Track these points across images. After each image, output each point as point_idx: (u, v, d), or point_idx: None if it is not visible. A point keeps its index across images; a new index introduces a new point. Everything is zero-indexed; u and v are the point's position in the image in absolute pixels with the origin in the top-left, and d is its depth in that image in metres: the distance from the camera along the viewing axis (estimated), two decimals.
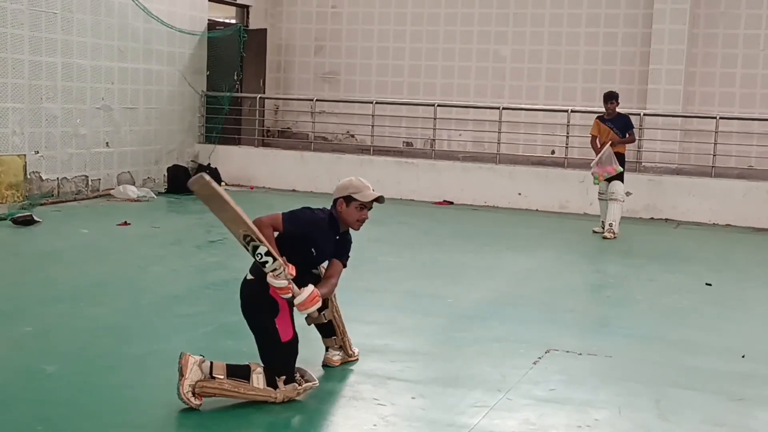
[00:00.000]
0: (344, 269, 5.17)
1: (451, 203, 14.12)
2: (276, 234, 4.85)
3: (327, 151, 15.66)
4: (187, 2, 14.88)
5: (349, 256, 5.21)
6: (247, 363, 4.94)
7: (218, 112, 15.61)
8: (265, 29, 16.67)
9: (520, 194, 13.97)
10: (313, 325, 5.44)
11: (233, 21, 16.90)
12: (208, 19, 15.62)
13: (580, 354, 6.01)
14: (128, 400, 4.86)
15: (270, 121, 17.38)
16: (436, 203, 14.09)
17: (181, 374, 4.72)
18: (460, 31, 16.45)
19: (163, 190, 13.96)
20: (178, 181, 13.83)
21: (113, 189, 13.25)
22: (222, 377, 4.77)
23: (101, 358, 5.56)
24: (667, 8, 14.72)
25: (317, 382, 5.04)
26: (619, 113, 11.40)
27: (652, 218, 13.24)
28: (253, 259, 4.69)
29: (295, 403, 4.86)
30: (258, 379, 4.82)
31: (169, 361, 5.44)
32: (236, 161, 15.41)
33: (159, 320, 6.50)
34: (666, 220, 13.16)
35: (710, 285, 8.50)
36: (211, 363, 4.81)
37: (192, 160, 15.18)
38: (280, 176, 15.01)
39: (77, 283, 7.66)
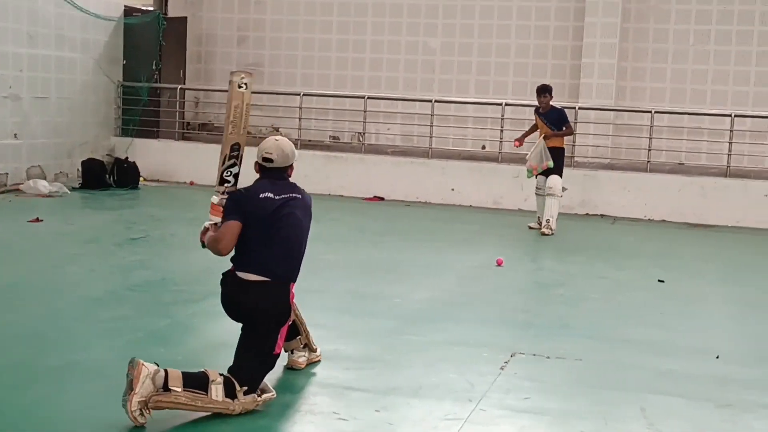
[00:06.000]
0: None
1: (382, 199, 13.60)
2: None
3: (251, 146, 14.91)
4: None
5: None
6: (203, 370, 4.36)
7: (135, 104, 14.76)
8: (185, 17, 15.84)
9: (453, 190, 13.54)
10: None
11: (151, 9, 16.00)
12: (125, 6, 14.75)
13: (548, 357, 5.55)
14: (43, 421, 4.18)
15: (190, 114, 16.57)
16: (366, 199, 13.55)
17: (131, 387, 4.10)
18: (389, 23, 15.93)
19: (78, 185, 13.04)
20: (93, 176, 12.93)
21: (22, 184, 12.31)
22: (178, 389, 4.19)
23: (12, 371, 4.83)
24: (599, 1, 14.47)
25: (275, 393, 4.50)
26: (553, 107, 11.04)
27: (587, 214, 12.97)
28: (220, 172, 4.84)
29: (251, 420, 4.27)
30: (217, 390, 4.28)
31: (92, 372, 4.79)
32: (155, 155, 14.57)
33: (79, 327, 5.77)
34: (602, 215, 12.91)
35: (663, 282, 8.18)
36: (166, 372, 4.21)
37: (108, 154, 14.28)
38: (201, 171, 14.19)
39: None
